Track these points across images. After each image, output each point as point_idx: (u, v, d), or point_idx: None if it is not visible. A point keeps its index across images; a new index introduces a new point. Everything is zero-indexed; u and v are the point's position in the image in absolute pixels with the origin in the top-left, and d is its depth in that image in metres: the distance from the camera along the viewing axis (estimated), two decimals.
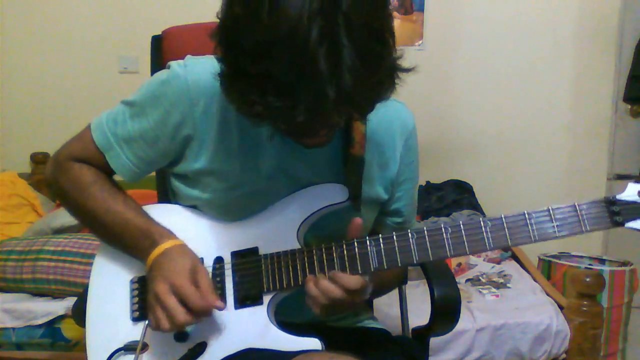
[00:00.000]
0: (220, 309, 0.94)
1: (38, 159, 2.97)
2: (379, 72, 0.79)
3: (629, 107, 3.01)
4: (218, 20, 0.82)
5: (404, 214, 1.14)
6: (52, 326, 1.95)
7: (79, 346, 1.92)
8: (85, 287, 1.08)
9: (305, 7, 0.73)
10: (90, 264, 1.10)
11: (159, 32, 1.43)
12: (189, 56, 1.02)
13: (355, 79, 0.75)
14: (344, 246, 0.96)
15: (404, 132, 1.09)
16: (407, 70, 0.84)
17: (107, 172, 1.06)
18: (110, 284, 1.05)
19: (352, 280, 0.91)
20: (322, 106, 0.76)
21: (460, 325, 1.57)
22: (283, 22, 0.73)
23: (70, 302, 1.94)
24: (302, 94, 0.75)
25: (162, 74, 1.02)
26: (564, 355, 2.01)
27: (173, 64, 1.01)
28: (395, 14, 3.01)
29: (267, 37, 0.74)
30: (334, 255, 0.95)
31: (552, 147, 3.13)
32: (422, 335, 1.25)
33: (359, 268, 0.94)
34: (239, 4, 0.78)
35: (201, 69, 0.98)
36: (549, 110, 3.12)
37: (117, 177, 1.08)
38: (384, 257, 0.95)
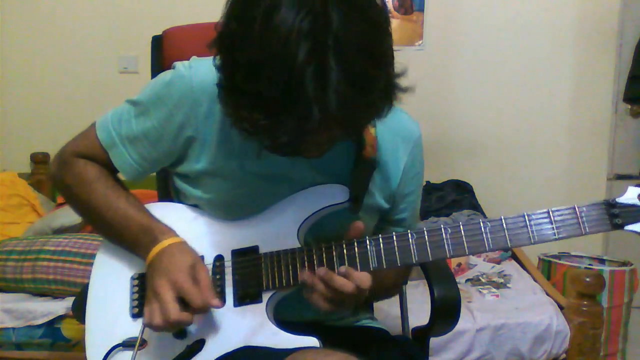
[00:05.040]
0: (218, 307, 0.94)
1: (38, 159, 2.97)
2: (370, 94, 0.78)
3: (629, 107, 3.00)
4: (217, 32, 0.81)
5: (408, 223, 1.14)
6: (52, 326, 1.95)
7: (78, 346, 1.92)
8: (85, 284, 1.08)
9: (295, 27, 0.73)
10: (90, 264, 1.10)
11: (159, 32, 1.44)
12: (194, 57, 1.02)
13: (341, 101, 0.74)
14: (344, 246, 0.96)
15: (408, 143, 1.08)
16: (404, 90, 0.83)
17: (110, 170, 1.07)
18: (111, 280, 1.05)
19: (364, 278, 0.91)
20: (306, 128, 0.76)
21: (460, 325, 1.56)
22: (273, 42, 0.73)
23: (70, 302, 1.94)
24: (287, 115, 0.75)
25: (167, 74, 1.02)
26: (564, 355, 2.01)
27: (178, 64, 1.01)
28: (395, 14, 3.01)
29: (258, 55, 0.74)
30: (334, 254, 0.95)
31: (552, 147, 3.13)
32: (422, 335, 1.25)
33: (359, 268, 0.94)
34: (235, 19, 0.78)
35: (206, 71, 0.98)
36: (549, 110, 3.11)
37: (121, 177, 1.09)
38: (383, 257, 0.95)
